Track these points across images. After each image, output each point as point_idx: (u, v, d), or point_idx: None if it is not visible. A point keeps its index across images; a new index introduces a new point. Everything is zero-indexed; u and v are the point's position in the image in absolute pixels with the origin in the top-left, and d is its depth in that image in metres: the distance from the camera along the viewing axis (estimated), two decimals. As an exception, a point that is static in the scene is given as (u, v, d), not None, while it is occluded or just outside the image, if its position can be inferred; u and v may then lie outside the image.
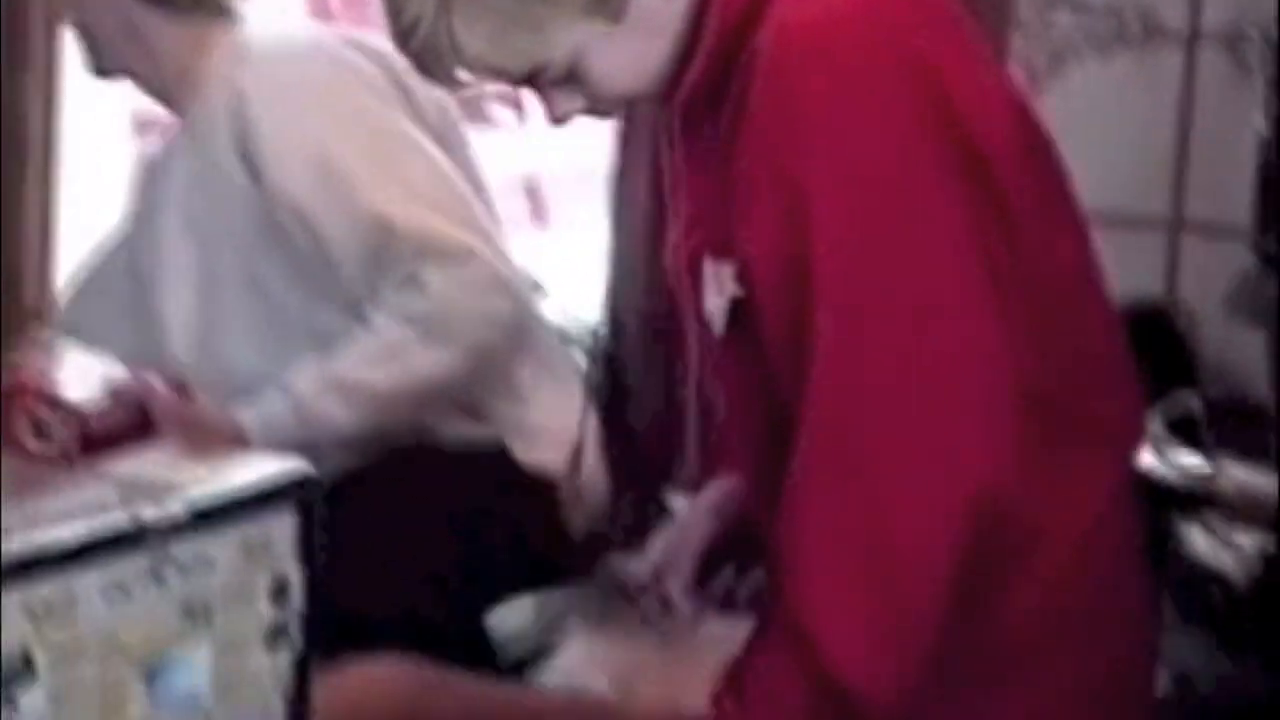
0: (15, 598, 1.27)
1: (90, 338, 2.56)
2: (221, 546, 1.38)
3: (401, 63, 1.97)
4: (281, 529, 1.42)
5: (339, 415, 2.30)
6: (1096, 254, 1.65)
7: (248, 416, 2.34)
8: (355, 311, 2.34)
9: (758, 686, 1.57)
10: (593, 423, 2.48)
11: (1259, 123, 2.58)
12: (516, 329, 2.37)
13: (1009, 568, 1.57)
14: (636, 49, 1.57)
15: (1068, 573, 1.61)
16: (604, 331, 4.03)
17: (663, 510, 4.19)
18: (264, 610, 1.42)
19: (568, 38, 1.55)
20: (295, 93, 2.37)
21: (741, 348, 1.60)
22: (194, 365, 2.44)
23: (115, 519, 1.33)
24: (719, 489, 1.89)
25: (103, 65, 2.53)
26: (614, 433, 2.53)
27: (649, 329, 4.10)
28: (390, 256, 2.28)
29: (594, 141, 4.05)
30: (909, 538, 1.49)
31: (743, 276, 1.55)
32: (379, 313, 2.31)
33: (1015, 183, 1.54)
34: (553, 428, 2.43)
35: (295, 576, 1.43)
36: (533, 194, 4.76)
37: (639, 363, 4.08)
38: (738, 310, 1.57)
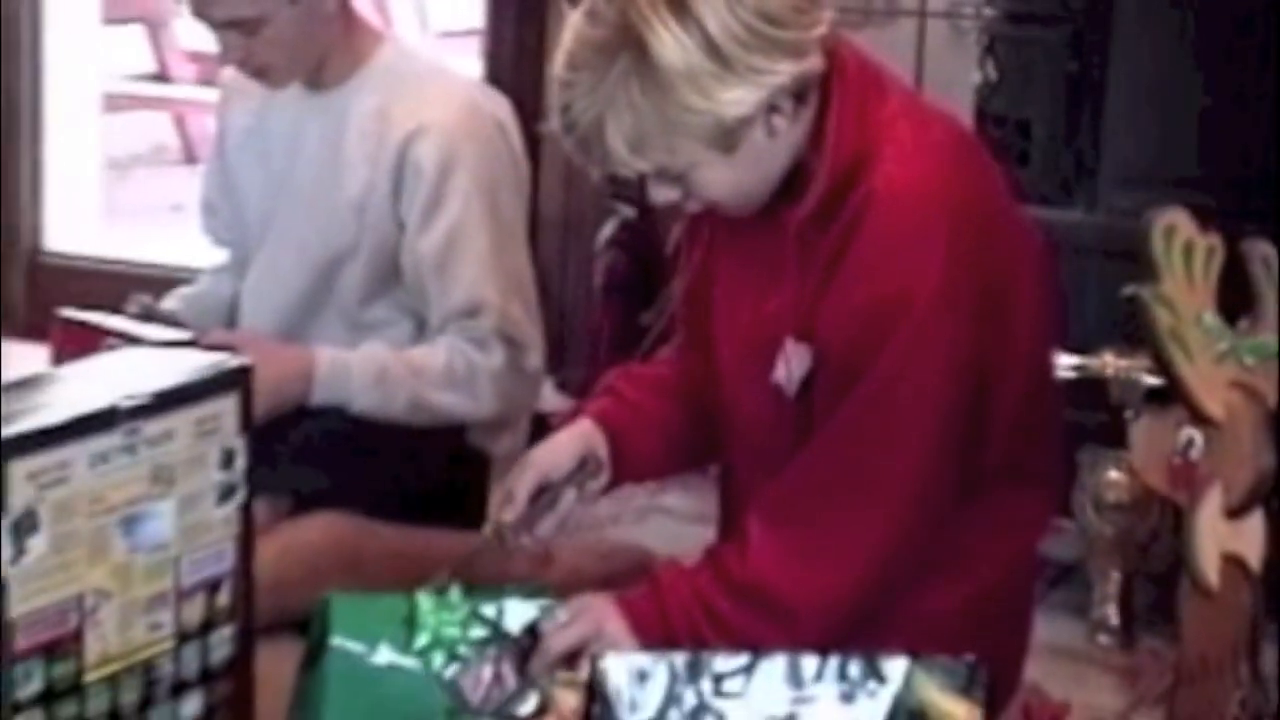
0: (20, 467, 1.61)
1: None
2: (180, 423, 1.74)
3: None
4: (227, 409, 1.78)
5: (397, 402, 2.60)
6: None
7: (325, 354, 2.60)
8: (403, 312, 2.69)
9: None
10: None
11: (975, 76, 3.10)
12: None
13: (938, 578, 2.02)
14: (738, 175, 1.96)
15: (989, 588, 2.06)
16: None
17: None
18: (215, 474, 1.78)
19: (689, 155, 1.93)
20: (469, 154, 2.61)
21: (799, 403, 2.02)
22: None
23: (96, 404, 1.68)
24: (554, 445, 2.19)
25: (215, 14, 2.56)
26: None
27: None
28: (471, 318, 2.62)
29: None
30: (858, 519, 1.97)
31: (818, 357, 1.98)
32: (445, 344, 2.62)
33: (1026, 315, 1.99)
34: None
35: (239, 446, 1.79)
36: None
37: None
38: (808, 380, 1.99)
